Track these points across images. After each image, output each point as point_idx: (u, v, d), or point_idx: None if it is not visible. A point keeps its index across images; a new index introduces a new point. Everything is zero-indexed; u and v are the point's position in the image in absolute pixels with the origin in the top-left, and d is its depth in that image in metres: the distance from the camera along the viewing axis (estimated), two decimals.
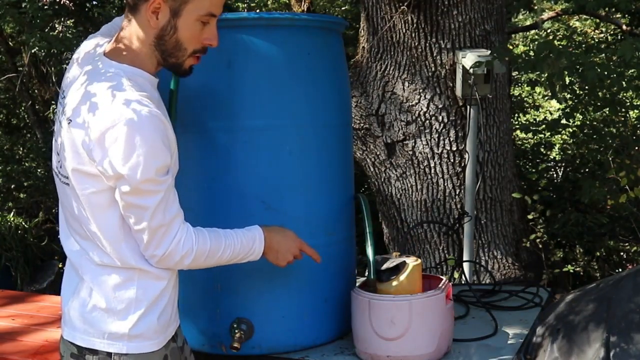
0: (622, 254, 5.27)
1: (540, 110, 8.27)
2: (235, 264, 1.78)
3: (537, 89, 8.15)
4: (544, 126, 4.63)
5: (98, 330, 1.63)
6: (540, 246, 4.55)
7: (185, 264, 1.65)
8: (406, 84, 3.94)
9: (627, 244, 5.23)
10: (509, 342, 2.25)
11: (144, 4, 1.58)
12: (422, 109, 3.91)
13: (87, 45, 1.75)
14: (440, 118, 3.89)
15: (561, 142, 6.35)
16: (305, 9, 6.18)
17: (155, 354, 1.66)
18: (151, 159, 1.52)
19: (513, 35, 8.18)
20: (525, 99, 8.51)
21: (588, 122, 4.43)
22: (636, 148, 3.99)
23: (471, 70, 3.55)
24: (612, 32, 6.97)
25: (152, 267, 1.65)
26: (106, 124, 1.49)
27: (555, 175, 6.38)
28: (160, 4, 1.57)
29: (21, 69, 6.76)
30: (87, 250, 1.64)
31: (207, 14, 1.62)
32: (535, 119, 7.61)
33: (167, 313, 1.70)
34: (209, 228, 1.72)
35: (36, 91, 7.07)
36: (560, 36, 6.73)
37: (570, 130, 4.93)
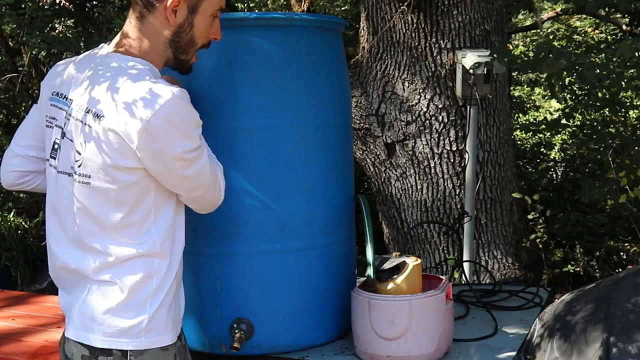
0: (622, 254, 5.27)
1: (540, 110, 8.27)
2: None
3: (537, 90, 8.16)
4: (543, 126, 4.63)
5: (114, 329, 1.62)
6: (540, 246, 4.55)
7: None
8: (406, 84, 3.94)
9: (627, 244, 5.23)
10: (509, 342, 2.25)
11: (162, 3, 1.61)
12: (422, 109, 3.91)
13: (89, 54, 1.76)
14: (440, 118, 3.90)
15: (561, 142, 6.35)
16: (305, 9, 6.18)
17: (168, 353, 1.66)
18: (194, 130, 1.59)
19: (513, 35, 8.18)
20: (524, 99, 8.52)
21: (588, 122, 4.43)
22: (636, 148, 3.98)
23: (471, 70, 3.55)
24: (611, 32, 6.98)
25: (172, 250, 1.66)
26: (147, 113, 1.51)
27: (555, 176, 6.38)
28: (179, 1, 1.60)
29: (21, 69, 6.76)
30: (104, 250, 1.62)
31: (219, 9, 1.69)
32: (535, 119, 7.62)
33: (177, 305, 1.70)
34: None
35: (36, 91, 7.07)
36: (561, 36, 6.73)
37: (570, 130, 4.93)
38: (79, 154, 1.61)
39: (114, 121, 1.53)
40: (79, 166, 1.61)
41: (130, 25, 1.65)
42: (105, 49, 1.68)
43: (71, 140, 1.63)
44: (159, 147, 1.54)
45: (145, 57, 1.63)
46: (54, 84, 1.72)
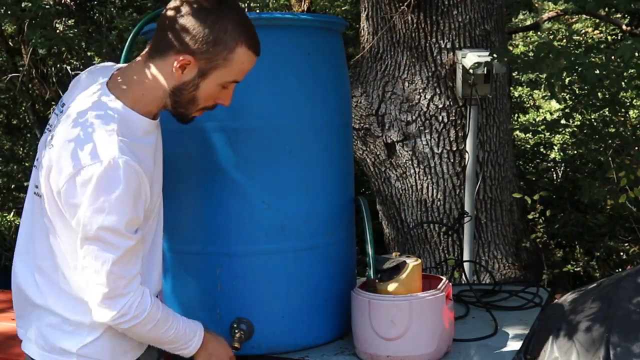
0: (622, 254, 5.27)
1: (540, 110, 8.28)
2: (176, 340, 1.70)
3: (536, 91, 8.16)
4: (543, 126, 4.63)
5: (51, 346, 1.65)
6: (540, 246, 4.55)
7: (131, 325, 1.59)
8: (406, 84, 3.94)
9: (627, 244, 5.23)
10: (509, 342, 2.24)
11: (173, 55, 1.56)
12: (422, 109, 3.91)
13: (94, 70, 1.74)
14: (440, 118, 3.90)
15: (561, 142, 6.36)
16: (305, 9, 6.19)
17: None
18: (117, 209, 1.49)
19: (513, 35, 8.18)
20: (524, 99, 8.53)
21: (588, 122, 4.43)
22: (636, 148, 3.98)
23: (471, 70, 3.55)
24: (611, 32, 6.98)
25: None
26: (82, 162, 1.48)
27: (555, 176, 6.39)
28: (190, 61, 1.55)
29: (21, 69, 6.76)
30: (49, 272, 1.63)
31: (232, 81, 1.63)
32: (535, 119, 7.62)
33: (123, 342, 1.68)
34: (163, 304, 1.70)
35: (36, 91, 7.07)
36: (560, 36, 6.73)
37: (570, 130, 4.94)
38: (37, 168, 1.63)
39: (59, 154, 1.52)
40: (37, 184, 1.63)
41: (140, 60, 1.62)
42: (108, 73, 1.65)
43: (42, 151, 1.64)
44: (74, 204, 1.50)
45: (138, 100, 1.59)
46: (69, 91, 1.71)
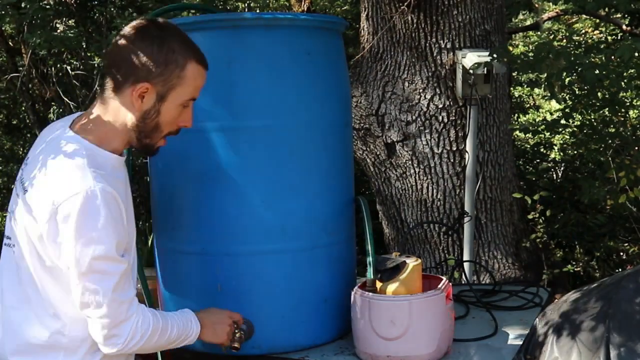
0: (622, 254, 5.27)
1: (540, 110, 8.27)
2: (180, 335, 1.74)
3: (536, 90, 8.15)
4: (543, 126, 4.63)
5: None
6: (540, 246, 4.55)
7: (141, 344, 1.62)
8: (406, 84, 3.94)
9: (626, 244, 5.23)
10: (509, 342, 2.25)
11: (129, 87, 1.59)
12: (422, 109, 3.91)
13: (55, 122, 1.77)
14: (440, 118, 3.90)
15: (561, 142, 6.35)
16: (305, 9, 6.19)
17: None
18: (104, 237, 1.52)
19: (513, 35, 8.18)
20: (524, 99, 8.52)
21: (587, 122, 4.43)
22: (636, 148, 3.98)
23: (471, 70, 3.56)
24: (611, 32, 6.97)
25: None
26: (59, 198, 1.49)
27: (555, 176, 6.38)
28: (147, 88, 1.59)
29: (21, 69, 6.75)
30: (19, 324, 1.63)
31: (190, 99, 1.66)
32: (535, 119, 7.62)
33: None
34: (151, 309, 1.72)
35: (36, 91, 7.07)
36: (560, 36, 6.73)
37: (570, 130, 4.93)
38: (9, 221, 1.64)
39: (34, 198, 1.54)
40: (10, 231, 1.64)
41: (97, 104, 1.65)
42: (68, 122, 1.67)
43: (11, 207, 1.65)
44: (60, 240, 1.51)
45: (102, 138, 1.61)
46: (33, 150, 1.73)
